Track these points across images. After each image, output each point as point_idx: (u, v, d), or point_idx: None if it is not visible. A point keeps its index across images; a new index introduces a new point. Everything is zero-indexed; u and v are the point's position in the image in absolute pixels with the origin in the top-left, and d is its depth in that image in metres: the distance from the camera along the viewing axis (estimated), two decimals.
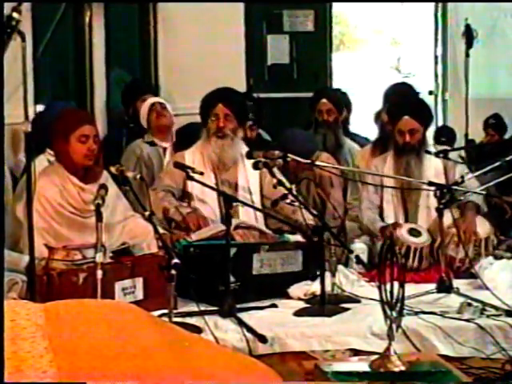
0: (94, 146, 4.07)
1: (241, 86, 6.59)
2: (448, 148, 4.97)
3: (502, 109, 7.23)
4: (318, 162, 4.56)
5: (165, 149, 5.51)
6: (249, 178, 4.68)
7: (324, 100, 5.85)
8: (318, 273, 3.97)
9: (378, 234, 4.62)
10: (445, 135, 6.71)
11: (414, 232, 4.54)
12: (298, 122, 5.79)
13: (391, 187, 4.77)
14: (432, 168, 4.79)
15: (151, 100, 5.87)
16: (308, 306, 3.91)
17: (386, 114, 5.35)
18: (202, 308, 3.69)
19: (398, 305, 2.80)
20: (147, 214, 3.68)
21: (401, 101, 5.26)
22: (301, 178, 4.86)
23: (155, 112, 5.70)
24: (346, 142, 5.68)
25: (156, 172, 5.35)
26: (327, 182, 5.08)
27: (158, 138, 5.60)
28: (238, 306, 3.77)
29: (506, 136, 6.81)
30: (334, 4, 7.93)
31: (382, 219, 4.74)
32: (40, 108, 5.41)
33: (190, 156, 4.68)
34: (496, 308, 3.73)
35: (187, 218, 4.44)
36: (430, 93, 8.07)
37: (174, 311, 3.49)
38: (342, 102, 5.95)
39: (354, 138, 6.03)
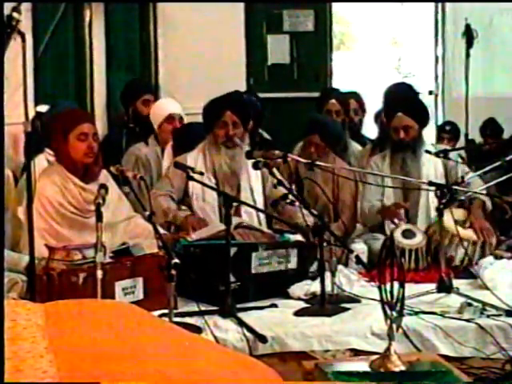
0: (93, 144, 4.09)
1: (241, 86, 6.59)
2: (448, 148, 4.98)
3: (500, 108, 7.23)
4: (318, 162, 4.56)
5: (162, 149, 5.46)
6: (251, 179, 4.68)
7: (333, 101, 5.89)
8: (317, 272, 3.98)
9: (378, 218, 4.66)
10: (450, 129, 6.78)
11: (408, 233, 4.55)
12: (298, 121, 5.78)
13: (391, 187, 4.78)
14: (432, 167, 4.80)
15: (169, 108, 5.48)
16: (308, 305, 3.91)
17: (383, 112, 5.38)
18: (202, 308, 3.69)
19: (398, 305, 2.79)
20: (147, 213, 3.69)
21: (395, 98, 5.29)
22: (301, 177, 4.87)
23: (172, 126, 5.35)
24: (351, 144, 5.69)
25: (154, 173, 5.32)
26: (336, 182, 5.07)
27: (162, 146, 5.51)
28: (238, 305, 3.77)
29: (505, 136, 6.83)
30: (334, 4, 7.92)
31: None
32: (41, 108, 5.40)
33: (193, 160, 4.65)
34: (496, 308, 3.73)
35: (186, 220, 4.43)
36: (430, 93, 8.07)
37: (174, 311, 3.49)
38: (349, 105, 6.00)
39: (363, 140, 6.04)
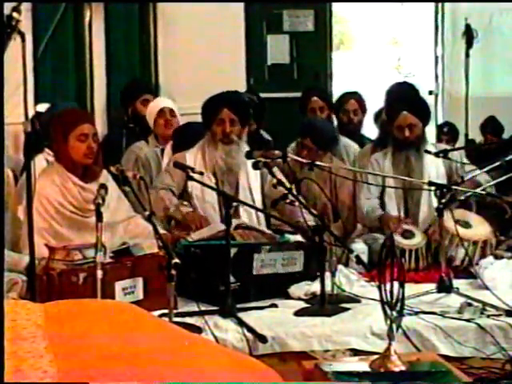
0: (93, 145, 4.09)
1: (241, 86, 6.58)
2: (448, 148, 4.98)
3: (499, 107, 7.23)
4: (318, 162, 4.56)
5: (162, 149, 5.47)
6: (250, 178, 4.68)
7: (315, 98, 5.91)
8: (318, 273, 3.97)
9: (377, 223, 4.66)
10: (448, 130, 6.80)
11: (407, 234, 4.55)
12: (297, 122, 5.78)
13: (392, 187, 4.78)
14: (434, 167, 4.80)
15: (160, 104, 5.69)
16: (308, 305, 3.91)
17: (385, 111, 5.37)
18: (202, 308, 3.69)
19: (398, 305, 2.79)
20: (147, 213, 3.68)
21: (399, 97, 5.30)
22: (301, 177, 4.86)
23: (164, 119, 5.53)
24: (341, 140, 5.67)
25: (154, 173, 5.33)
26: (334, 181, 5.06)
27: (162, 144, 5.53)
28: (238, 305, 3.77)
29: (505, 135, 6.83)
30: (334, 4, 7.92)
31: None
32: (40, 107, 5.40)
33: (192, 157, 4.67)
34: (496, 308, 3.73)
35: (188, 216, 4.45)
36: (430, 93, 8.07)
37: (174, 311, 3.49)
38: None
39: (363, 140, 6.03)
